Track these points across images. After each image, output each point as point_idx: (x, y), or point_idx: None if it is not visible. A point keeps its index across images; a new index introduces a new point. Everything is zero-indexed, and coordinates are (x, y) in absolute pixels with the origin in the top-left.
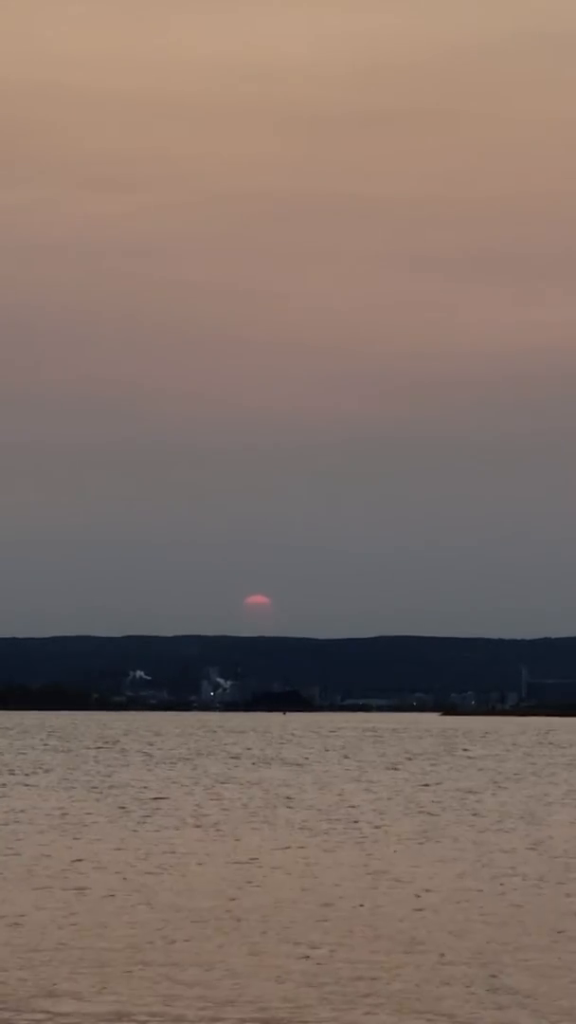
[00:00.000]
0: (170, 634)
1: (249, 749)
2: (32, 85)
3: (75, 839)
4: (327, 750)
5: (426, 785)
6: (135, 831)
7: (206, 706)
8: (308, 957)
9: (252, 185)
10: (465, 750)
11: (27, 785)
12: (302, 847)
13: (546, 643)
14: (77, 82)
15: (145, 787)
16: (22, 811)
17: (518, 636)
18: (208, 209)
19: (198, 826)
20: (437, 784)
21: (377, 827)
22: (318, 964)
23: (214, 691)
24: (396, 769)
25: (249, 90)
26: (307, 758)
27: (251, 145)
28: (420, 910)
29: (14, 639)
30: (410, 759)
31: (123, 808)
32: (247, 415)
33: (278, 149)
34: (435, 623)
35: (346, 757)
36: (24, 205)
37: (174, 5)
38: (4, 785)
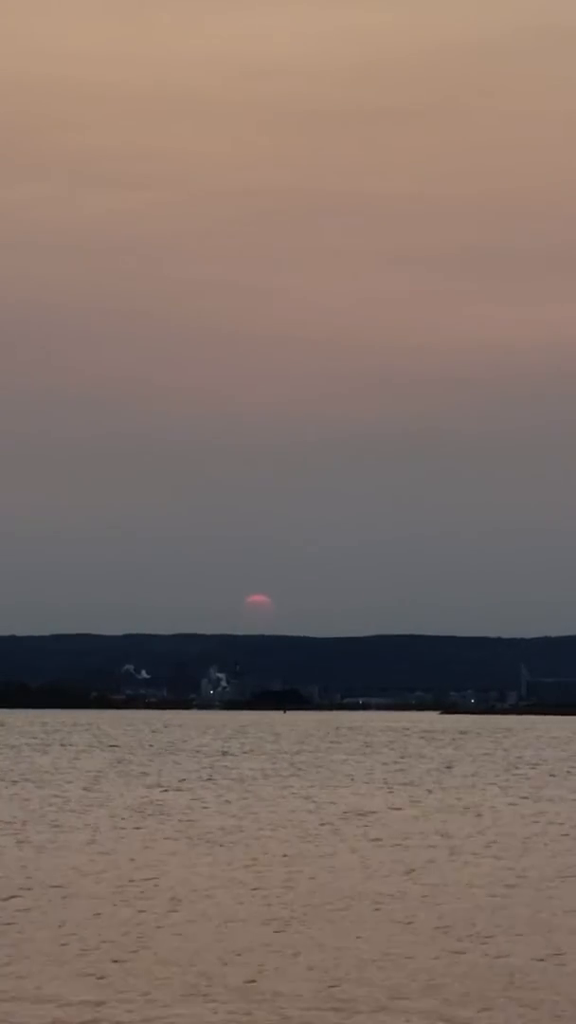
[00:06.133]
0: (169, 632)
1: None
2: (35, 81)
3: None
4: None
5: None
6: None
7: (206, 704)
8: None
9: (252, 182)
10: None
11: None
12: None
13: (545, 642)
14: (80, 79)
15: None
16: None
17: (517, 635)
18: (208, 206)
19: None
20: None
21: None
22: None
23: (213, 689)
24: None
25: (249, 87)
26: None
27: (251, 142)
28: None
29: (13, 637)
30: None
31: None
32: (247, 412)
33: (277, 146)
34: (434, 622)
35: None
36: (27, 201)
37: (177, 2)
38: None
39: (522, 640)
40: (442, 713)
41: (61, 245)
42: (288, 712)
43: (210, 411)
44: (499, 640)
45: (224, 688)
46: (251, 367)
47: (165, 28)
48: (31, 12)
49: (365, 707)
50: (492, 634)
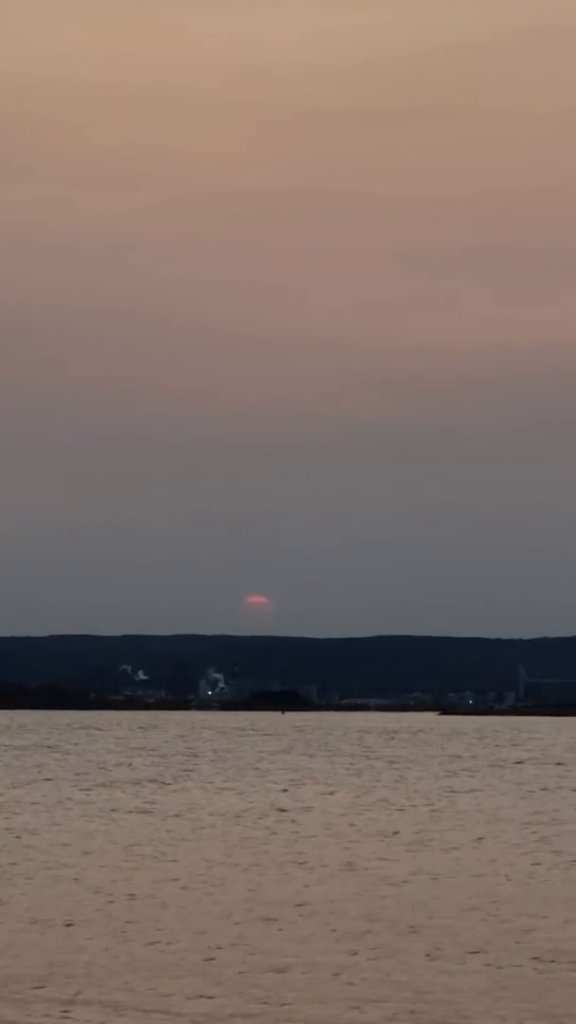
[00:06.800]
0: (168, 633)
1: None
2: (36, 81)
3: None
4: None
5: None
6: None
7: (204, 705)
8: None
9: (252, 182)
10: None
11: None
12: None
13: (544, 642)
14: (80, 79)
15: None
16: None
17: (516, 635)
18: (208, 206)
19: None
20: None
21: None
22: None
23: (212, 690)
24: None
25: (250, 87)
26: None
27: (251, 142)
28: None
29: (12, 638)
30: None
31: None
32: (247, 412)
33: (277, 146)
34: (433, 622)
35: None
36: (27, 201)
37: (177, 2)
38: None
39: (520, 641)
40: (440, 714)
41: (61, 245)
42: (287, 713)
43: (210, 411)
44: (497, 641)
45: (222, 689)
46: (251, 367)
47: (165, 28)
48: (31, 12)
49: (364, 708)
50: (490, 635)
